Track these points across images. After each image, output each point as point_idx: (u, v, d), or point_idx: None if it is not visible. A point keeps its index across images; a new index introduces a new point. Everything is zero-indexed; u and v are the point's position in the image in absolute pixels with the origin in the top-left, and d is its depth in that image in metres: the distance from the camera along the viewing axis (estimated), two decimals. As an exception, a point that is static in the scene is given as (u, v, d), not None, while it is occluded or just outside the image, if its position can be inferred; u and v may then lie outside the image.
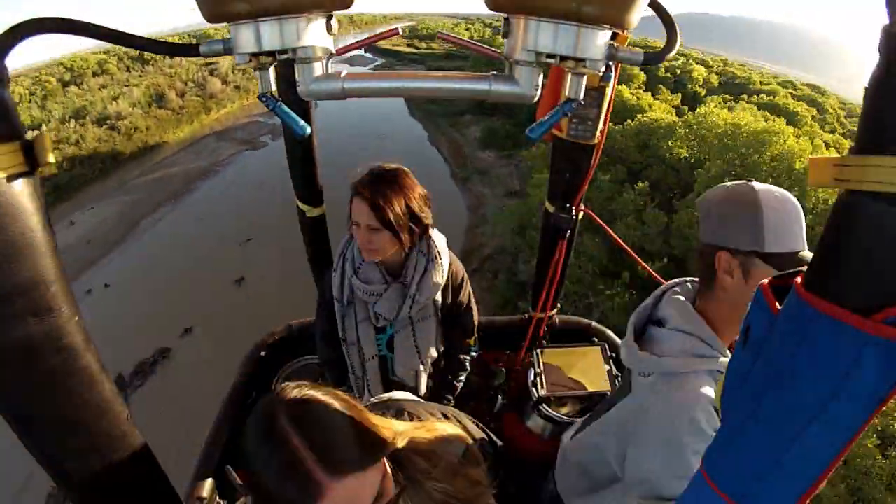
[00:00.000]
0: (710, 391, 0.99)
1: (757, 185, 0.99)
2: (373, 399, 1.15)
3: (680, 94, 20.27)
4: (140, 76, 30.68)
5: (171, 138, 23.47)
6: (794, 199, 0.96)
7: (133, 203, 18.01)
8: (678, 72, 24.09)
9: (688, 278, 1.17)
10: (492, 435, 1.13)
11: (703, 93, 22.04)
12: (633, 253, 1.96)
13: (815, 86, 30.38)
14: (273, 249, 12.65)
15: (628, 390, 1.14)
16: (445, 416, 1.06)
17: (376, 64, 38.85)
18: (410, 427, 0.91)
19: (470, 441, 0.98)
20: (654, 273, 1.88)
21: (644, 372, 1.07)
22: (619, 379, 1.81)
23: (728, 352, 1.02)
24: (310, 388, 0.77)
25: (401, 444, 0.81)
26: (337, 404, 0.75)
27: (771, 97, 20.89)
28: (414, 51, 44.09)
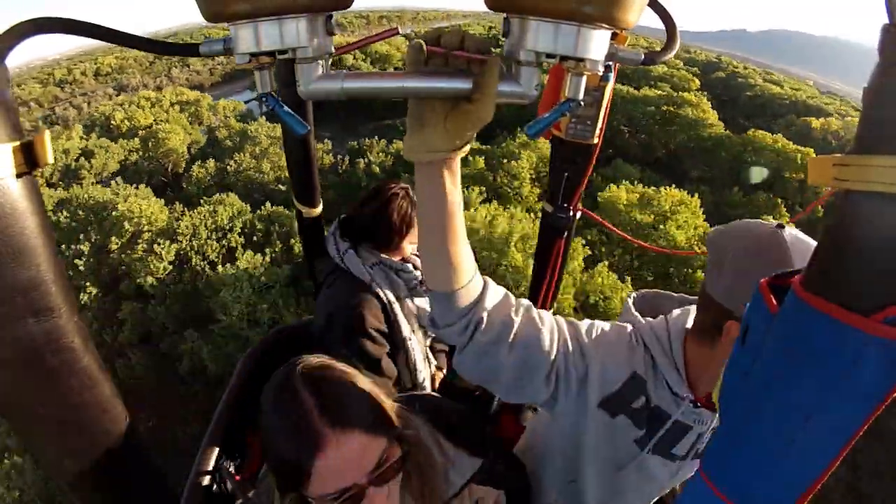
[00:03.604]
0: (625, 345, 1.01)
1: (789, 235, 0.82)
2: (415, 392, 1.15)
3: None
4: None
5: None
6: None
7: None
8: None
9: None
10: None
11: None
12: (639, 242, 1.96)
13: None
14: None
15: None
16: (483, 442, 1.03)
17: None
18: (426, 438, 0.91)
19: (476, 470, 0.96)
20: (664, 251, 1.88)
21: None
22: None
23: (685, 403, 0.98)
24: (331, 360, 0.79)
25: (407, 433, 0.82)
26: (355, 377, 0.77)
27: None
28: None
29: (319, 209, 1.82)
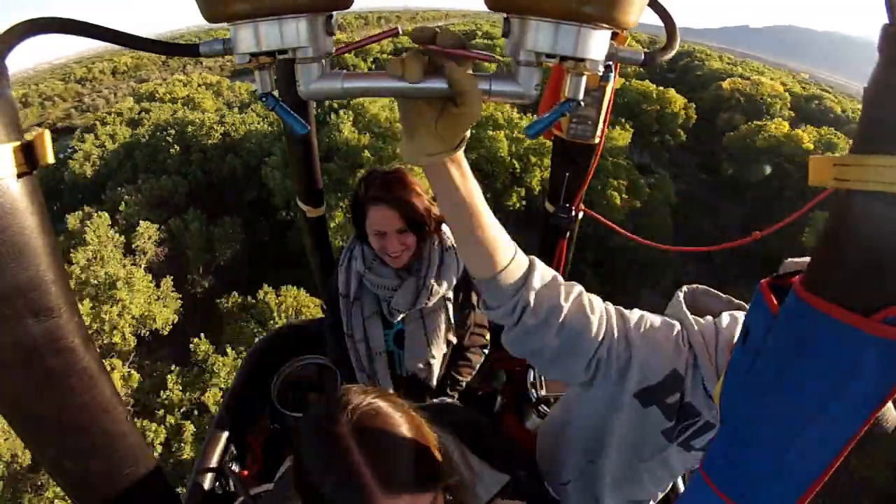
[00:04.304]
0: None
1: None
2: (432, 401, 1.12)
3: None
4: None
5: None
6: None
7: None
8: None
9: None
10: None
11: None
12: (644, 241, 1.95)
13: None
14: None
15: None
16: (510, 458, 1.03)
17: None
18: (454, 455, 0.90)
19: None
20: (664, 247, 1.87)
21: None
22: None
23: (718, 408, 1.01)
24: (376, 397, 0.75)
25: (454, 478, 0.79)
26: (402, 421, 0.74)
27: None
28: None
29: (322, 209, 1.82)
